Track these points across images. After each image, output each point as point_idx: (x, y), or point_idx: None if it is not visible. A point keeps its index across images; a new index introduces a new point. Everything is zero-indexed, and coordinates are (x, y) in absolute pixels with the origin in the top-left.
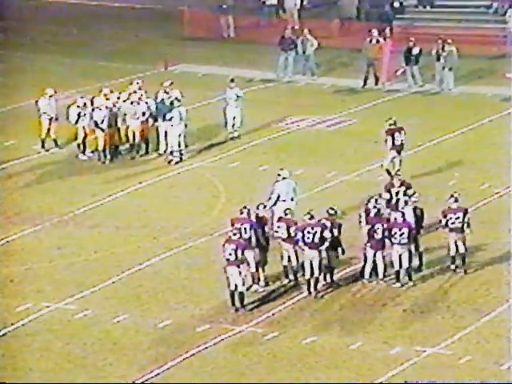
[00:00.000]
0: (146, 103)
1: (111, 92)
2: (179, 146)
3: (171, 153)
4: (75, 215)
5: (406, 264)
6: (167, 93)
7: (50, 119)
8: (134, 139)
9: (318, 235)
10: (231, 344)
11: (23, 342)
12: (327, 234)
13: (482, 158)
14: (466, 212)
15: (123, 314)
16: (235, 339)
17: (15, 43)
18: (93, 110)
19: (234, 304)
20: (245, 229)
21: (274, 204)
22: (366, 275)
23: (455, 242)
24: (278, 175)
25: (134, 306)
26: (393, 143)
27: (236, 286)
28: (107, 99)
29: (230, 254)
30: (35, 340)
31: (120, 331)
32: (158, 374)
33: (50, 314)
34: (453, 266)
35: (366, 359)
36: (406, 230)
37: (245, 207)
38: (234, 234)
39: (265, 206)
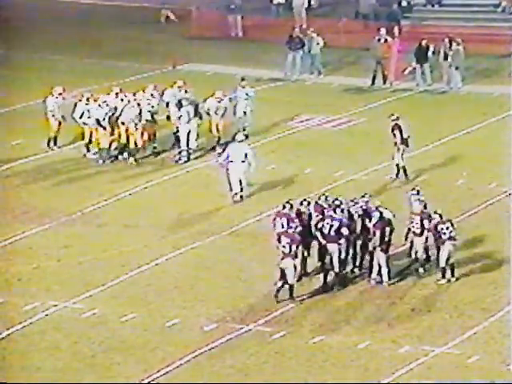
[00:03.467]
0: (139, 105)
1: (121, 91)
2: (187, 146)
3: (179, 152)
4: (83, 214)
5: (451, 260)
6: (184, 91)
7: (57, 118)
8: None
9: (334, 229)
10: (239, 343)
11: (31, 341)
12: (345, 230)
13: (490, 157)
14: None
15: (131, 313)
16: (243, 338)
17: (23, 42)
18: (96, 107)
19: (277, 297)
20: (282, 224)
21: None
22: (385, 278)
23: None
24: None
25: (141, 305)
26: (401, 137)
27: (287, 278)
28: (121, 99)
29: (284, 247)
30: (43, 339)
31: (128, 330)
32: (166, 373)
33: (58, 313)
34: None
35: (374, 358)
36: (449, 224)
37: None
38: (290, 227)
39: (309, 203)
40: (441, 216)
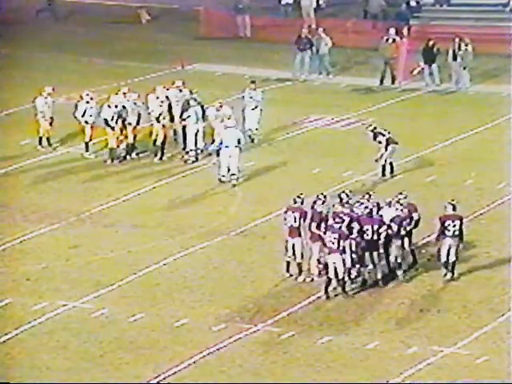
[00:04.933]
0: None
1: (129, 91)
2: (195, 146)
3: (187, 152)
4: (91, 214)
5: (453, 257)
6: (180, 91)
7: (48, 118)
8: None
9: (345, 225)
10: (247, 343)
11: (40, 341)
12: (355, 224)
13: (499, 157)
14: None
15: (139, 313)
16: (251, 339)
17: (32, 42)
18: (101, 106)
19: (326, 291)
20: (295, 217)
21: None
22: (379, 276)
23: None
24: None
25: (150, 304)
26: (386, 139)
27: (337, 273)
28: (129, 99)
29: (332, 243)
30: (52, 338)
31: (136, 330)
32: (174, 373)
33: (67, 313)
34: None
35: (383, 359)
36: (458, 223)
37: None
38: (336, 223)
39: (323, 202)
40: (454, 207)
